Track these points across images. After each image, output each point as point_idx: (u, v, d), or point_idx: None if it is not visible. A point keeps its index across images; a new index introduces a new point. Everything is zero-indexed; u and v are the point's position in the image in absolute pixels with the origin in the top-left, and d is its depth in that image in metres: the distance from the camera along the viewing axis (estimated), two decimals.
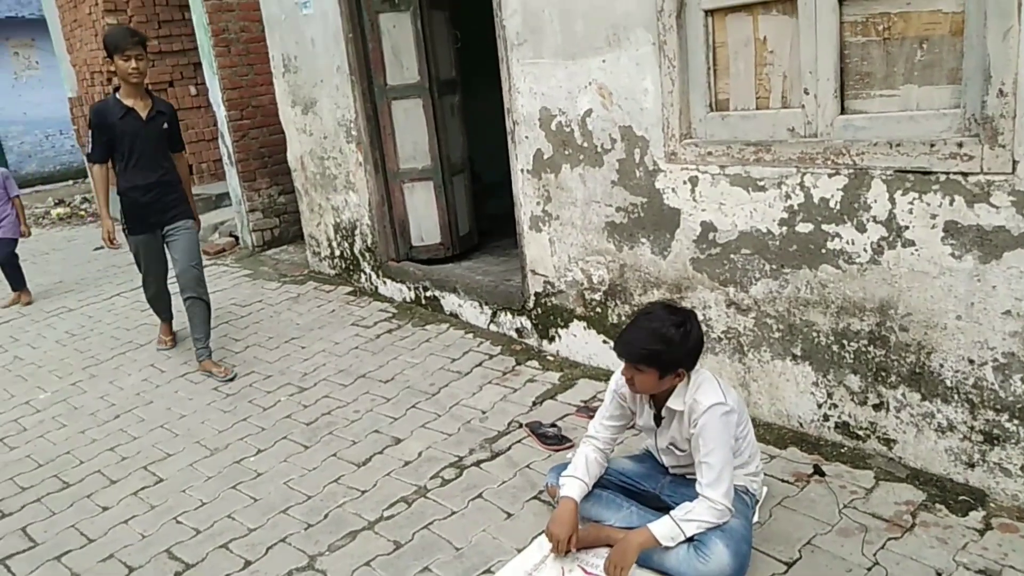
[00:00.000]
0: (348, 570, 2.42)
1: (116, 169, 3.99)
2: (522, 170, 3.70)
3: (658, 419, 2.32)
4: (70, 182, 14.09)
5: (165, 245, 4.16)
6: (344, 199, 5.20)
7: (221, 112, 6.38)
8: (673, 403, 2.21)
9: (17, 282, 5.89)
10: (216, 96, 6.37)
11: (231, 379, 4.00)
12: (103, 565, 2.59)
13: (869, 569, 2.16)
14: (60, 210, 10.30)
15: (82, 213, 10.06)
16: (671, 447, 2.32)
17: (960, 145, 2.23)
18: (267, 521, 2.73)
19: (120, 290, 5.98)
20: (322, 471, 3.03)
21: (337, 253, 5.50)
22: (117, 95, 3.90)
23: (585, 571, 2.24)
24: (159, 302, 4.48)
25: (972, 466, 2.44)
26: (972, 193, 2.24)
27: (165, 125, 4.00)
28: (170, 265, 4.22)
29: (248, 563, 2.52)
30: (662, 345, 2.09)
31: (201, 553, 2.59)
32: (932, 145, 2.28)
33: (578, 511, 2.29)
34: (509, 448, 3.04)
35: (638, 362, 2.13)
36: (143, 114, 3.90)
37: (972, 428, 2.42)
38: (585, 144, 3.34)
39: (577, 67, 3.26)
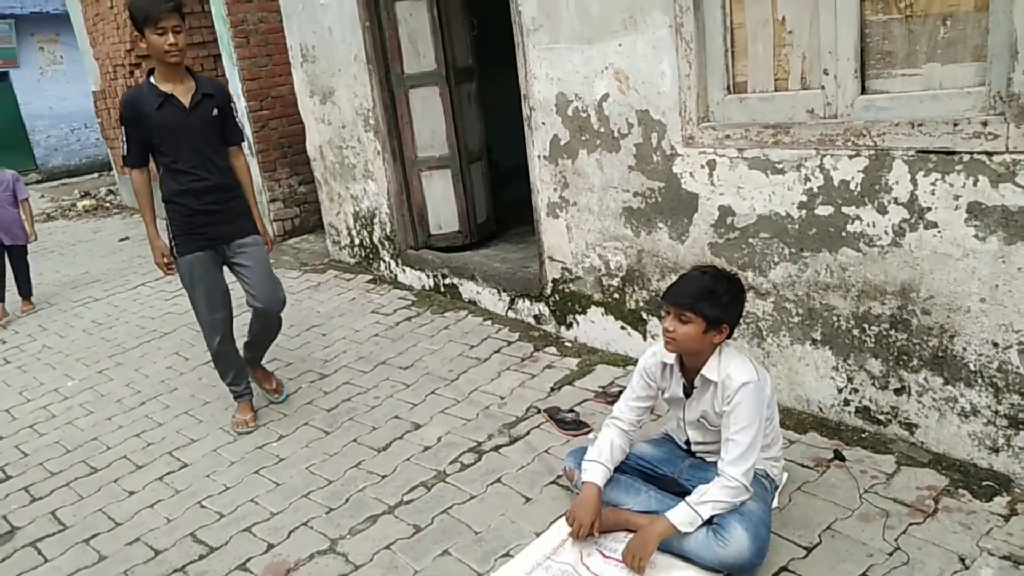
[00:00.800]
0: (369, 553, 2.45)
1: (159, 172, 3.14)
2: (539, 156, 3.68)
3: (687, 392, 2.31)
4: (96, 175, 14.38)
5: (230, 269, 3.27)
6: (363, 188, 5.23)
7: (241, 103, 6.42)
8: (708, 372, 2.20)
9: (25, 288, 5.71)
10: (236, 87, 6.42)
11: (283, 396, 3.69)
12: (130, 548, 2.65)
13: (890, 554, 2.14)
14: (86, 202, 10.51)
15: (107, 205, 10.25)
16: (702, 420, 2.30)
17: (985, 124, 2.18)
18: (289, 505, 2.77)
19: (145, 280, 6.07)
20: (343, 456, 3.07)
21: (357, 242, 5.53)
22: (152, 80, 3.02)
23: (604, 555, 2.25)
24: (229, 362, 3.37)
25: (996, 451, 2.41)
26: (997, 173, 2.20)
27: (215, 111, 3.13)
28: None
29: (271, 546, 2.56)
30: (713, 295, 2.13)
31: (225, 536, 2.64)
32: (955, 124, 2.24)
33: (601, 497, 2.29)
34: (527, 433, 3.05)
35: (687, 308, 2.13)
36: (185, 100, 3.03)
37: (996, 412, 2.38)
38: (602, 129, 3.32)
39: (593, 51, 3.24)
